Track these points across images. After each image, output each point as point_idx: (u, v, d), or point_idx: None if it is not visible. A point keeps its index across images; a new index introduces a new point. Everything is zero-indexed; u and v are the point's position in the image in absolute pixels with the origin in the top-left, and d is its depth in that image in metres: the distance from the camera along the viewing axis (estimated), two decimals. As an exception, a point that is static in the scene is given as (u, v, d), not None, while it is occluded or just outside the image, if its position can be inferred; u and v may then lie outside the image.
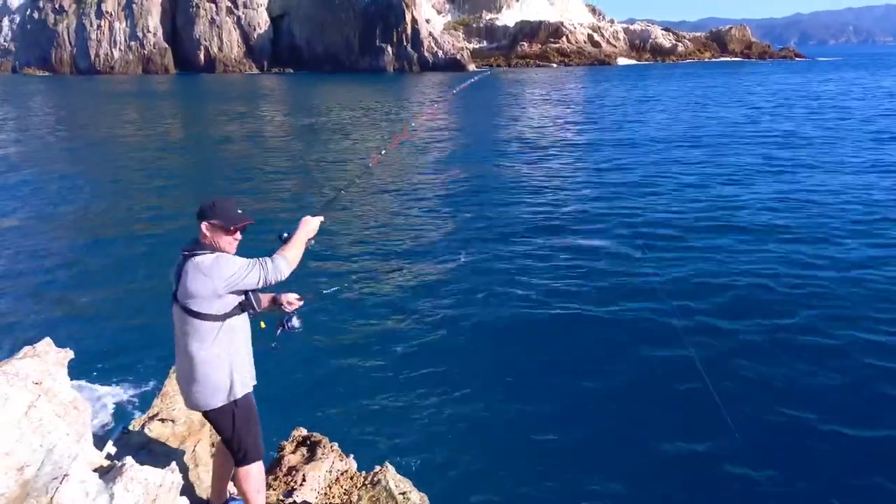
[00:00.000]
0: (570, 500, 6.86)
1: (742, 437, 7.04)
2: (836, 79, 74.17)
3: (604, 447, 7.71)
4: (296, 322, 3.96)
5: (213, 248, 3.59)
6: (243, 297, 3.62)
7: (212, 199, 3.75)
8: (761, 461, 7.28)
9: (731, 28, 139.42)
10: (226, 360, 3.63)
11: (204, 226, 3.62)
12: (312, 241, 3.90)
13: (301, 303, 4.03)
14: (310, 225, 3.88)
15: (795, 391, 8.74)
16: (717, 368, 9.04)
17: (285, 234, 3.82)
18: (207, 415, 3.75)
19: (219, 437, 3.93)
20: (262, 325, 3.87)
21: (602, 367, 9.53)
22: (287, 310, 3.97)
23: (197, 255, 3.56)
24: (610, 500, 6.83)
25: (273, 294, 3.99)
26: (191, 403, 3.73)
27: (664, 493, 7.04)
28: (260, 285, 3.60)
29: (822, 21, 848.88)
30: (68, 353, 4.18)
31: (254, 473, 3.81)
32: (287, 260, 3.69)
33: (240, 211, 3.68)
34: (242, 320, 3.73)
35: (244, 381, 3.74)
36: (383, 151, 4.84)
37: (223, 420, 3.70)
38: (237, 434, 3.72)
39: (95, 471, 3.06)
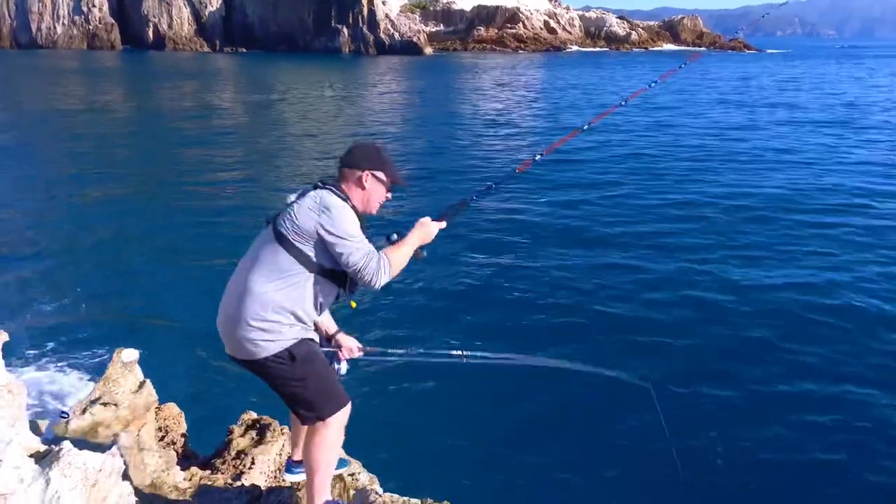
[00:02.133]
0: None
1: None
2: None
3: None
4: (343, 367, 3.53)
5: (348, 199, 3.14)
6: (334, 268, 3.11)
7: (366, 142, 3.33)
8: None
9: (683, 18, 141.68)
10: (299, 313, 3.14)
11: (368, 177, 3.17)
12: (424, 253, 3.35)
13: (360, 354, 3.60)
14: (427, 229, 3.31)
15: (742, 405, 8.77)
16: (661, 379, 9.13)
17: (395, 236, 3.28)
18: (251, 365, 3.21)
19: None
20: (353, 304, 3.41)
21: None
22: (342, 355, 3.54)
23: (330, 191, 3.11)
24: None
25: (337, 328, 3.58)
26: (238, 352, 3.18)
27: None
28: (356, 270, 3.05)
29: (771, 13, 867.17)
30: (2, 335, 4.00)
31: (330, 430, 3.24)
32: (390, 262, 3.11)
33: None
34: (329, 288, 3.19)
35: (305, 328, 3.22)
36: (538, 157, 3.80)
37: (274, 372, 3.18)
38: (292, 387, 3.21)
39: (31, 456, 2.93)
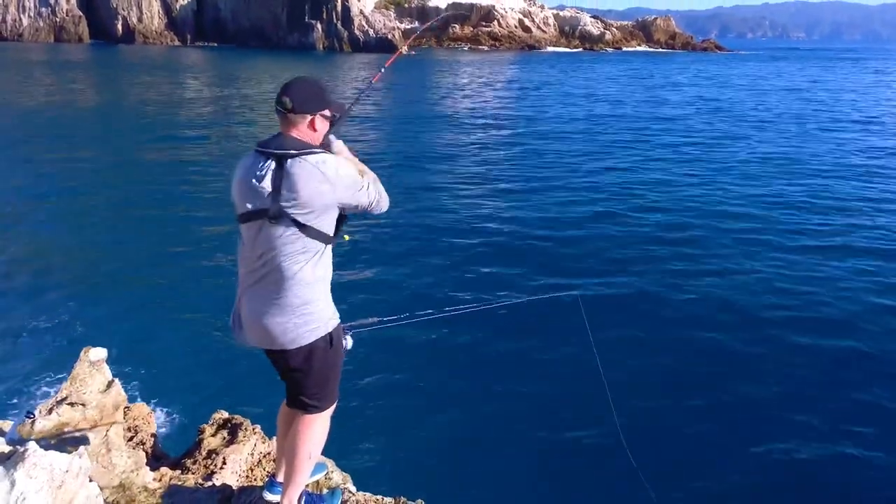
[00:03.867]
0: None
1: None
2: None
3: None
4: (349, 342, 3.36)
5: (320, 148, 2.95)
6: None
7: (304, 79, 3.00)
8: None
9: (656, 18, 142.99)
10: (327, 285, 3.05)
11: (317, 119, 2.96)
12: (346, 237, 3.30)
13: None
14: (346, 152, 3.21)
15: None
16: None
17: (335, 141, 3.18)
18: (297, 353, 3.04)
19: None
20: (346, 237, 3.18)
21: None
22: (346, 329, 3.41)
23: (312, 153, 2.86)
24: None
25: None
26: (276, 342, 3.00)
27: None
28: (370, 207, 3.04)
29: (741, 15, 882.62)
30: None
31: (323, 422, 3.23)
32: (375, 177, 3.08)
33: None
34: (329, 252, 3.08)
35: (334, 308, 3.15)
36: (382, 70, 3.99)
37: (314, 358, 3.06)
38: (326, 373, 3.13)
39: (-5, 457, 2.88)
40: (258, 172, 2.88)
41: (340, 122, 3.17)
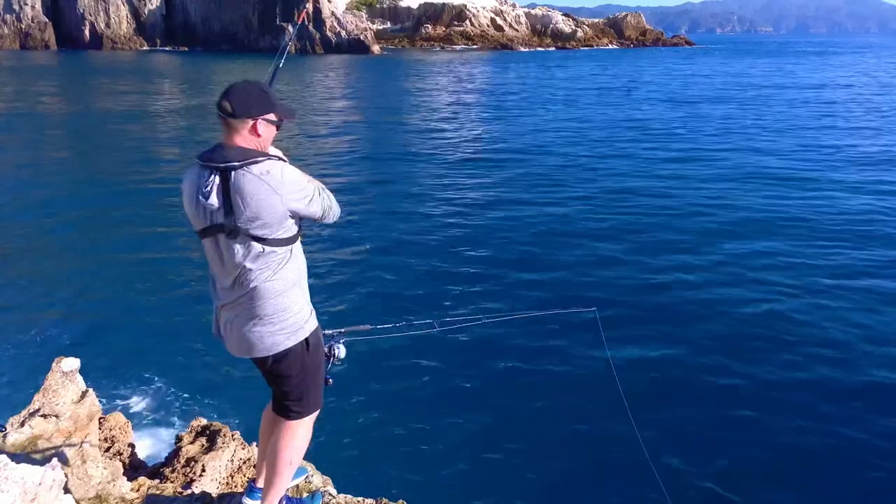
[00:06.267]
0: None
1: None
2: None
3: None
4: (343, 351, 3.38)
5: (264, 155, 2.82)
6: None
7: (246, 83, 2.86)
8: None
9: (626, 15, 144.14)
10: (299, 287, 3.01)
11: (260, 123, 2.82)
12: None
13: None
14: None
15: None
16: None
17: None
18: (274, 360, 3.01)
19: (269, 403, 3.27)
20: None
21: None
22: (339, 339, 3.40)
23: (255, 162, 2.75)
24: None
25: None
26: (254, 350, 2.97)
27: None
28: (322, 216, 2.99)
29: (711, 10, 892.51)
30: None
31: (306, 428, 3.21)
32: (322, 185, 3.03)
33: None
34: (299, 247, 3.04)
35: (312, 311, 3.10)
36: (305, 9, 4.04)
37: (292, 363, 3.02)
38: (306, 378, 3.09)
39: (-34, 473, 2.82)
40: (204, 189, 2.78)
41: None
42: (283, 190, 2.76)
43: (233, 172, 2.73)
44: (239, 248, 2.81)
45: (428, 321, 4.12)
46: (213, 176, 2.77)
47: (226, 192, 2.74)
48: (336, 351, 3.39)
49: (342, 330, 3.58)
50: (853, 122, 32.62)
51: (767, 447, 7.66)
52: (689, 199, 17.81)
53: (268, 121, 2.86)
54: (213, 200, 2.76)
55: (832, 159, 23.22)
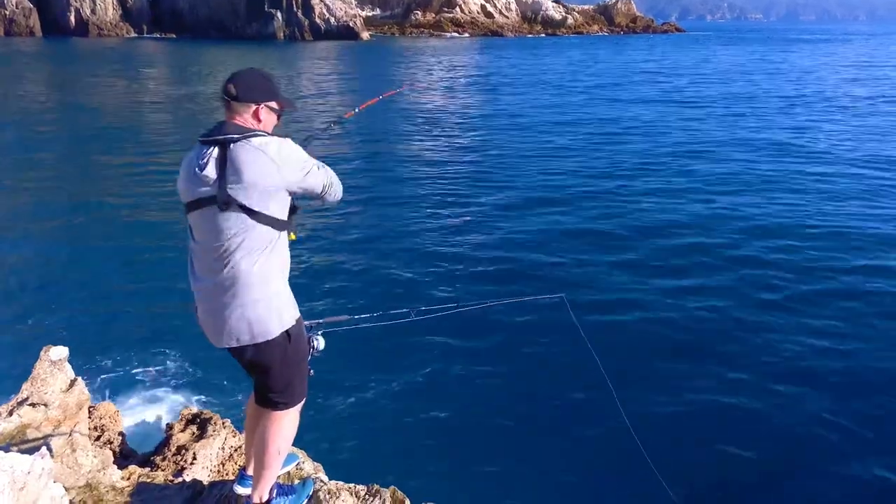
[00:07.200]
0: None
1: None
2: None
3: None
4: (321, 343, 3.37)
5: (265, 133, 2.87)
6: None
7: (252, 70, 2.94)
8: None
9: (617, 2, 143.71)
10: (284, 279, 2.98)
11: (262, 109, 2.88)
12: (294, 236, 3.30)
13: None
14: None
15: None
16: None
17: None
18: (255, 349, 2.96)
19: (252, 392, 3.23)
20: (293, 236, 3.09)
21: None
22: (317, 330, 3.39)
23: (255, 135, 2.79)
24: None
25: None
26: (235, 337, 2.91)
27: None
28: (324, 191, 2.99)
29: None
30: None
31: (292, 418, 3.18)
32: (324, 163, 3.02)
33: None
34: (285, 242, 3.01)
35: (294, 302, 3.08)
36: (357, 109, 4.24)
37: (274, 353, 2.97)
38: (290, 368, 3.05)
39: (-46, 462, 2.80)
40: (201, 161, 2.79)
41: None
42: (280, 160, 2.77)
43: (232, 144, 2.76)
44: (229, 224, 2.78)
45: (404, 310, 4.15)
46: (211, 149, 2.79)
47: (223, 162, 2.75)
48: (315, 342, 3.37)
49: (320, 321, 3.57)
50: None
51: (731, 421, 7.86)
52: (658, 190, 17.89)
53: (270, 108, 2.92)
54: (210, 171, 2.76)
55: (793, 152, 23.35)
